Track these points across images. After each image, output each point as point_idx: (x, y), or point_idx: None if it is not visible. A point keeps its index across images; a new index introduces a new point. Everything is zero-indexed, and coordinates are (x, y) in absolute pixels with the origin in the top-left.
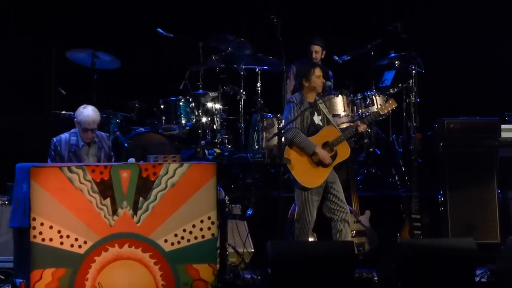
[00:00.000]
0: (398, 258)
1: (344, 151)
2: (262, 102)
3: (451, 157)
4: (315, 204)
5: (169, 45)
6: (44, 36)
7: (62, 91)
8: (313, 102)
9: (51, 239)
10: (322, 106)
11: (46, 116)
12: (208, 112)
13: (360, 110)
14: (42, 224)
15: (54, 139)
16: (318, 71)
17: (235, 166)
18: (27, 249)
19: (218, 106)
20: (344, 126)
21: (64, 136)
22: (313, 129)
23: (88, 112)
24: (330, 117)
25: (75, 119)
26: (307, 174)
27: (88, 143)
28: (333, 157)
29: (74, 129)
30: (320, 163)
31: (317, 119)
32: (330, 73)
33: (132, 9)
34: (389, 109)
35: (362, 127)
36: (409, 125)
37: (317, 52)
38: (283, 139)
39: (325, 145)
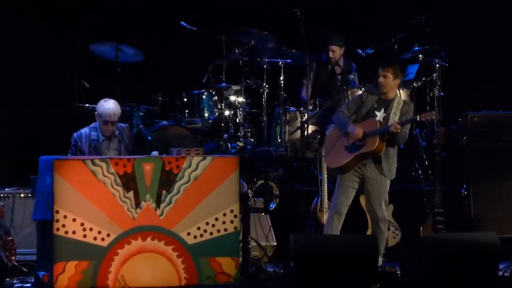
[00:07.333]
0: (421, 252)
1: (371, 144)
2: (285, 95)
3: (474, 151)
4: (347, 190)
5: (192, 38)
6: (67, 29)
7: (86, 84)
8: (385, 99)
9: (74, 232)
10: (397, 107)
11: (69, 109)
12: (231, 106)
13: None
14: (65, 217)
15: (75, 134)
16: (380, 71)
17: (258, 160)
18: (50, 242)
19: (241, 99)
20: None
21: (84, 131)
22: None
23: (109, 105)
24: (393, 117)
25: (96, 112)
26: (331, 153)
27: (108, 137)
28: (361, 146)
29: (94, 123)
30: (347, 148)
31: (379, 115)
32: (354, 66)
33: (155, 2)
34: (429, 118)
35: (394, 127)
36: None
37: (334, 51)
38: (305, 132)
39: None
